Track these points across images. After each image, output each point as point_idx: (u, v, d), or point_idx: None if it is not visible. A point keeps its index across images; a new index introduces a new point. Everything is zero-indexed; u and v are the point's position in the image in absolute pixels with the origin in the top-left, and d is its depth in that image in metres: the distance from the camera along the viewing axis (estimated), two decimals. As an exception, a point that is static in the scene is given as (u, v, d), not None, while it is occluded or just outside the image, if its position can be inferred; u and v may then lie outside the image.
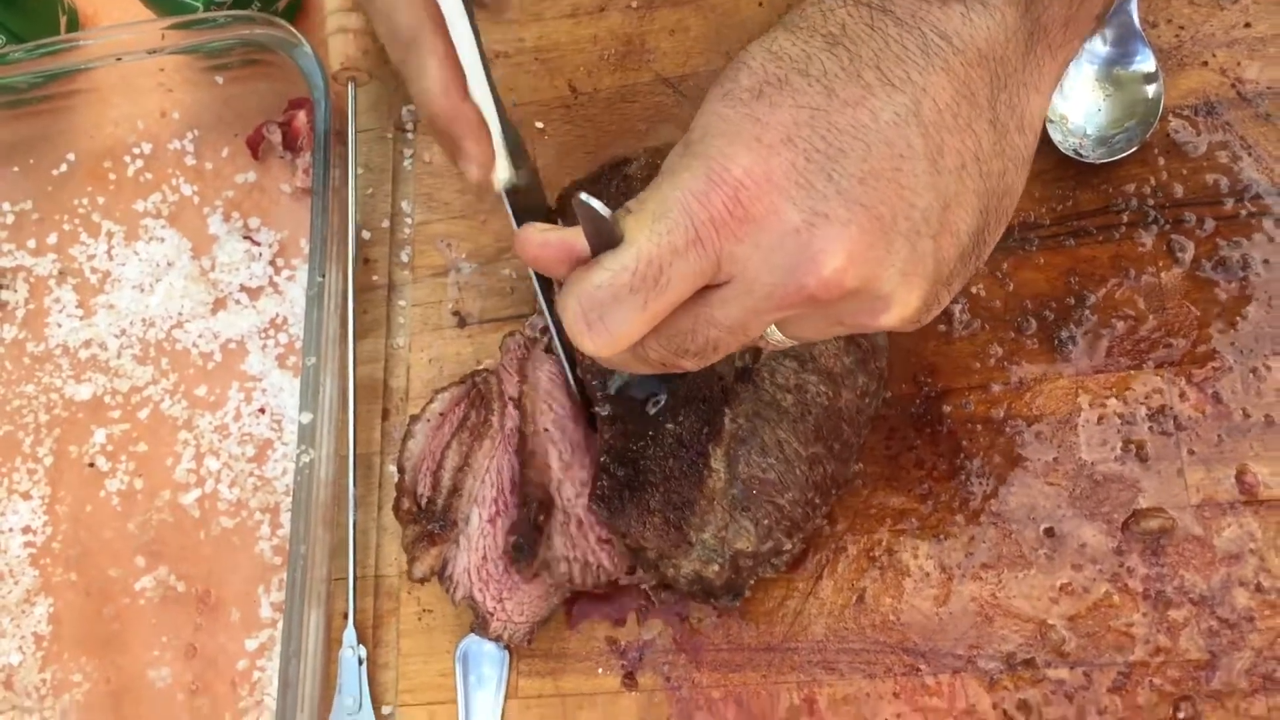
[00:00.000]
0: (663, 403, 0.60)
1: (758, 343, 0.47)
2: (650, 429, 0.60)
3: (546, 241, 0.45)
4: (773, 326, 0.46)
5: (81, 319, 0.81)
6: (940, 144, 0.42)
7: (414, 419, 0.68)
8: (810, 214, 0.40)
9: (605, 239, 0.42)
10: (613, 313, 0.42)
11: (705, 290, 0.43)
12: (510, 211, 0.61)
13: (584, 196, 0.41)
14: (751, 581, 0.61)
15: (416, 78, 0.55)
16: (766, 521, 0.58)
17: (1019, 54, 0.44)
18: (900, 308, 0.43)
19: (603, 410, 0.62)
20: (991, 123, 0.43)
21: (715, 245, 0.41)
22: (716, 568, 0.59)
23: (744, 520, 0.58)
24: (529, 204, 0.61)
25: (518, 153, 0.58)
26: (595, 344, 0.43)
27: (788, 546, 0.60)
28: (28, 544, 0.77)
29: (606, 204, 0.62)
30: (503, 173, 0.58)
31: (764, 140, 0.41)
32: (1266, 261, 0.62)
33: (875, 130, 0.41)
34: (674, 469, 0.59)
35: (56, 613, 0.75)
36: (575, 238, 0.44)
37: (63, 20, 0.88)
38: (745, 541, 0.58)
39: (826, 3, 0.44)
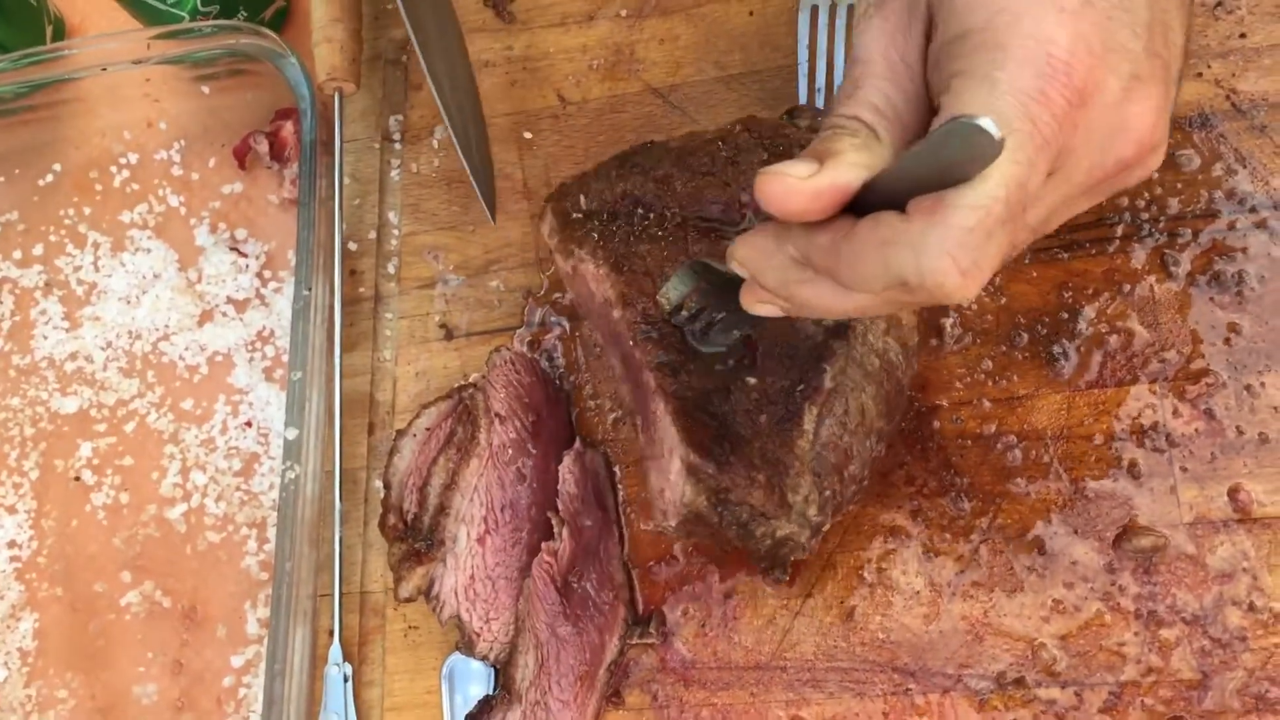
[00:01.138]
0: (732, 361, 0.58)
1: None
2: (724, 381, 0.57)
3: (804, 190, 0.39)
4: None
5: (68, 331, 0.81)
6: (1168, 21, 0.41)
7: (400, 434, 0.68)
8: (1127, 79, 0.39)
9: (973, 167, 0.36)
10: (986, 252, 0.37)
11: None
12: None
13: (965, 118, 0.33)
14: (791, 558, 0.59)
15: None
16: (829, 492, 0.56)
17: None
18: (1162, 154, 0.42)
19: (661, 357, 0.58)
20: (1180, 3, 0.43)
21: (1059, 142, 0.38)
22: (808, 534, 0.56)
23: (814, 487, 0.55)
24: None
25: None
26: (970, 290, 0.37)
27: (826, 527, 0.57)
28: (13, 558, 0.76)
29: (647, 181, 0.60)
30: None
31: (1066, 7, 0.37)
32: (1261, 277, 0.61)
33: None
34: (765, 425, 0.56)
35: (42, 628, 0.74)
36: (841, 174, 0.39)
37: (48, 30, 0.87)
38: (815, 509, 0.56)
39: None
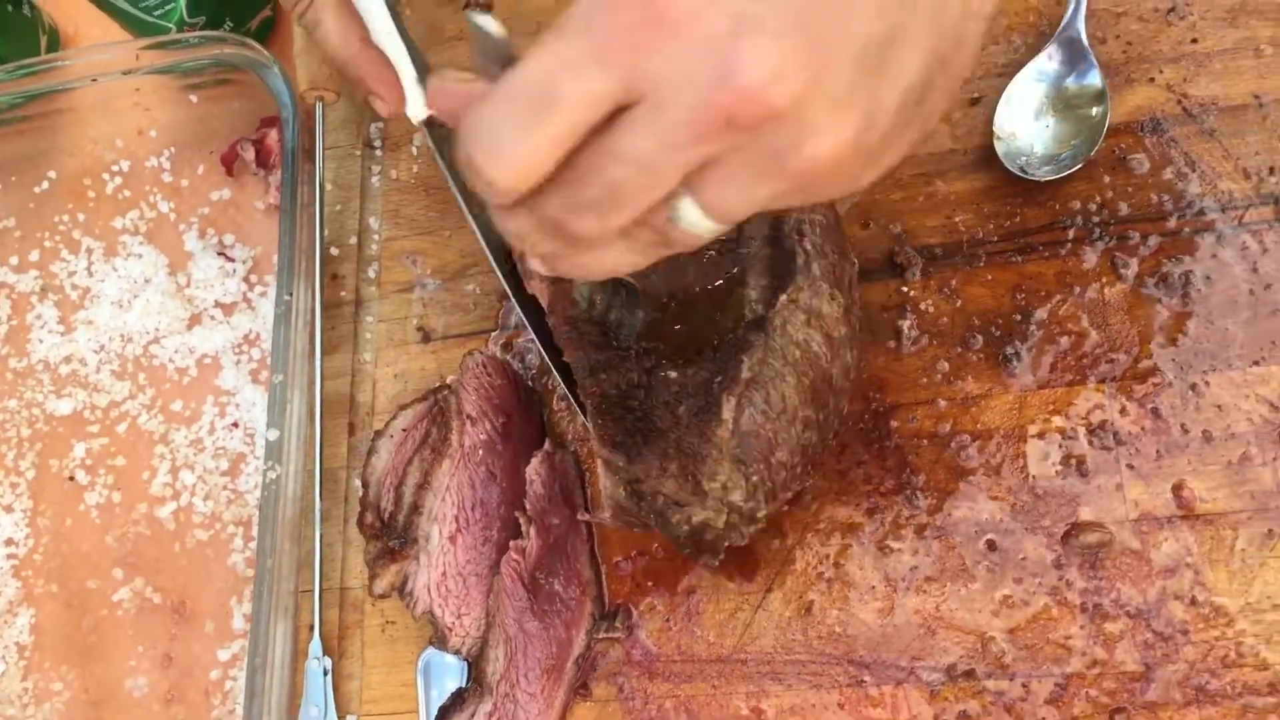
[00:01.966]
0: (633, 336, 0.61)
1: (667, 237, 0.42)
2: (644, 375, 0.60)
3: (449, 90, 0.43)
4: (687, 202, 0.40)
5: (62, 335, 0.83)
6: None
7: (378, 435, 0.70)
8: (738, 19, 0.35)
9: (504, 67, 0.39)
10: (501, 133, 0.37)
11: (612, 119, 0.38)
12: (431, 144, 0.63)
13: (472, 15, 0.38)
14: (725, 544, 0.60)
15: (313, 29, 0.57)
16: (755, 479, 0.57)
17: None
18: (823, 144, 0.38)
19: (581, 357, 0.62)
20: None
21: (622, 59, 0.36)
22: (724, 517, 0.58)
23: (738, 474, 0.57)
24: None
25: None
26: (490, 168, 0.38)
27: (760, 514, 0.59)
28: (10, 556, 0.79)
29: None
30: (417, 109, 0.59)
31: None
32: (1208, 278, 0.63)
33: None
34: (683, 417, 0.58)
35: (38, 623, 0.77)
36: (476, 83, 0.41)
37: (43, 40, 0.90)
38: (740, 494, 0.57)
39: None
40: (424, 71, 0.59)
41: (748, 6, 0.36)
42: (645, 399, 0.59)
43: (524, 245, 0.43)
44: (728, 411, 0.56)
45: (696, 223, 0.41)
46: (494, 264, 0.66)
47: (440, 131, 0.63)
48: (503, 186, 0.38)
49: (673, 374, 0.59)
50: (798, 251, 0.58)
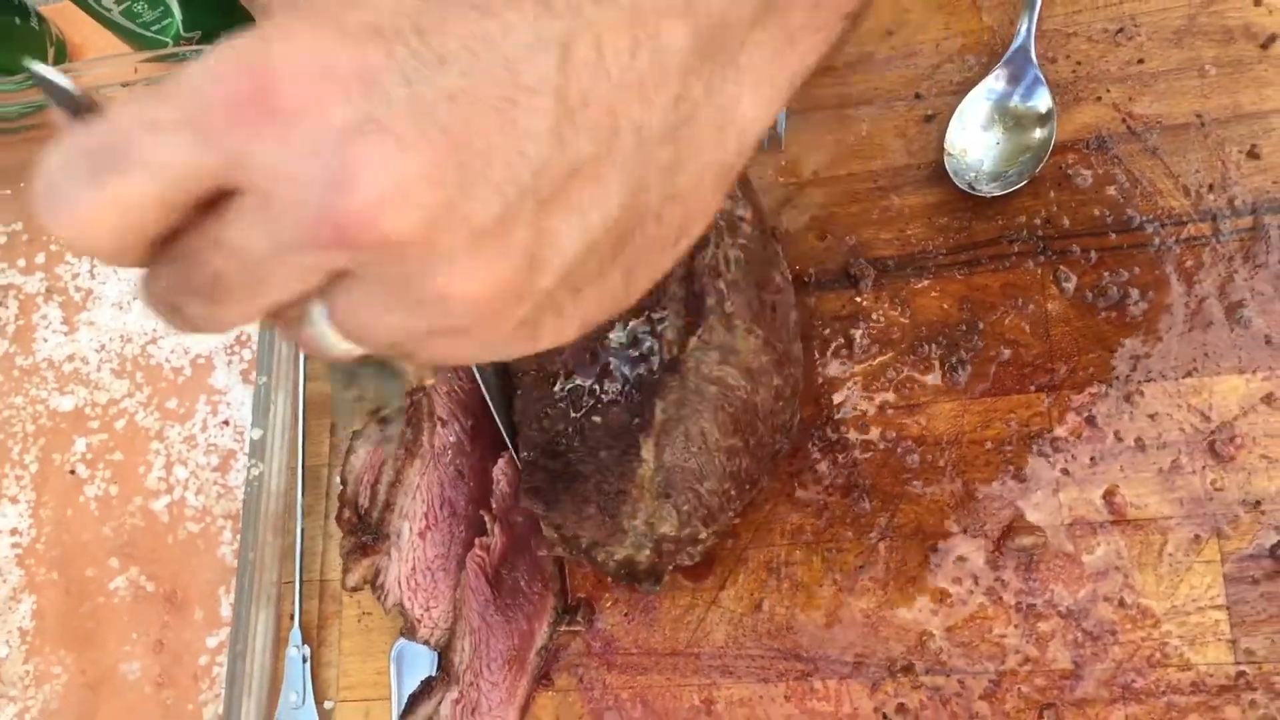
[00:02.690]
0: (570, 387, 0.64)
1: (315, 347, 0.35)
2: (572, 423, 0.64)
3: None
4: (319, 312, 0.34)
5: (66, 335, 0.87)
6: (586, 92, 0.32)
7: (356, 435, 0.73)
8: (363, 119, 0.30)
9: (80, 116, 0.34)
10: (63, 185, 0.31)
11: (220, 203, 0.32)
12: None
13: (32, 64, 0.34)
14: (669, 568, 0.65)
15: None
16: (687, 508, 0.61)
17: (744, 24, 0.35)
18: (466, 279, 0.32)
19: (519, 394, 0.66)
20: (676, 98, 0.34)
21: (220, 135, 0.30)
22: (647, 553, 0.62)
23: (667, 506, 0.61)
24: None
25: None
26: (49, 219, 0.32)
27: (703, 535, 0.63)
28: (14, 545, 0.83)
29: None
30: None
31: (344, 22, 0.31)
32: (1146, 292, 0.65)
33: (499, 47, 0.31)
34: (605, 460, 0.62)
35: (39, 609, 0.81)
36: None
37: (51, 52, 0.93)
38: (669, 526, 0.61)
39: None
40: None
41: (379, 105, 0.30)
42: (571, 444, 0.63)
43: (150, 307, 0.36)
44: (646, 452, 0.60)
45: (328, 337, 0.35)
46: None
47: None
48: (69, 242, 0.32)
49: (597, 419, 0.63)
50: (709, 291, 0.61)
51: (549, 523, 0.63)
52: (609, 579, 0.68)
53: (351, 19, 0.30)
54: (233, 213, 0.31)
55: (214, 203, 0.32)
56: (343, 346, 0.35)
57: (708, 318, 0.61)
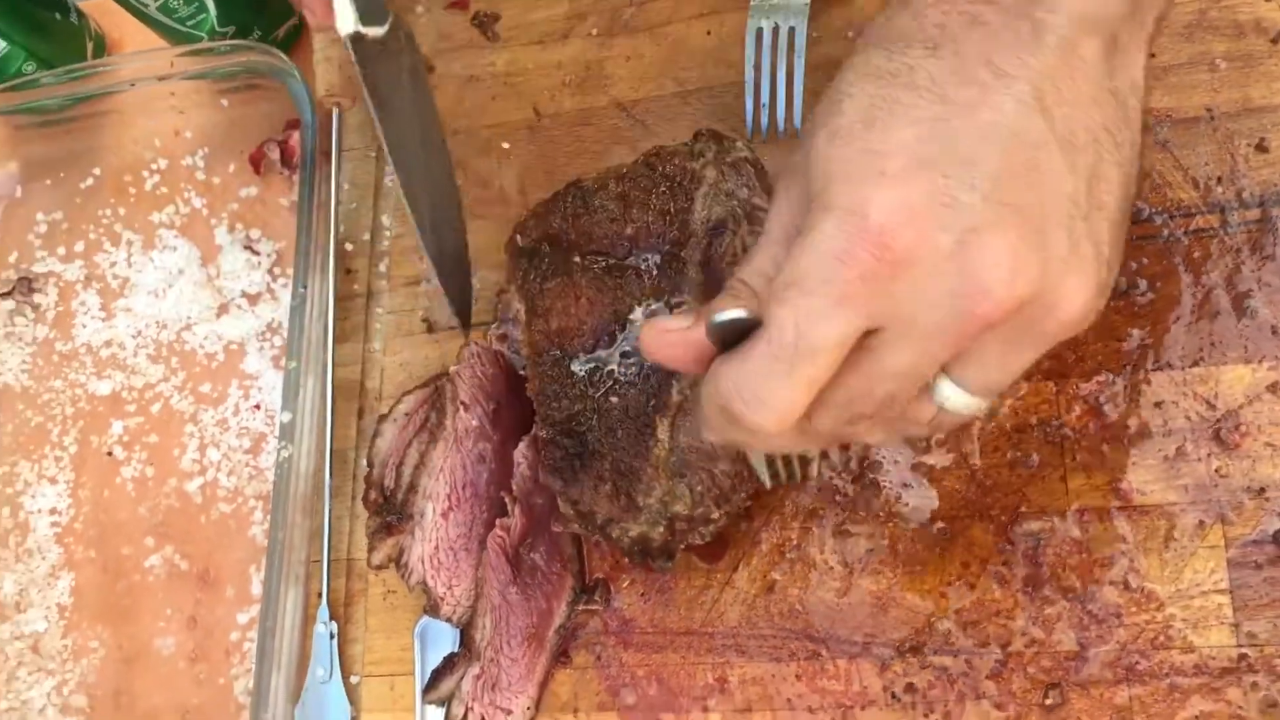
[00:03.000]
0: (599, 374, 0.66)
1: (938, 424, 0.46)
2: (590, 402, 0.66)
3: (677, 341, 0.46)
4: (947, 384, 0.44)
5: (103, 321, 0.90)
6: (1070, 124, 0.40)
7: (382, 418, 0.76)
8: (961, 233, 0.39)
9: (740, 337, 0.43)
10: (764, 389, 0.42)
11: (864, 343, 0.42)
12: (353, 59, 0.65)
13: (717, 318, 0.43)
14: (681, 546, 0.66)
15: None
16: (700, 488, 0.63)
17: (1123, 14, 0.43)
18: (1073, 302, 0.41)
19: (539, 377, 0.68)
20: (1113, 92, 0.42)
21: (863, 298, 0.40)
22: (661, 530, 0.64)
23: (681, 486, 0.63)
24: (387, 64, 0.67)
25: (370, 6, 0.63)
26: (757, 418, 0.42)
27: (715, 515, 0.64)
28: (54, 524, 0.86)
29: (561, 220, 0.68)
30: (346, 23, 0.63)
31: (890, 171, 0.39)
32: (1154, 283, 0.66)
33: (1002, 125, 0.39)
34: (621, 440, 0.64)
35: (77, 586, 0.84)
36: (700, 334, 0.45)
37: (89, 46, 0.96)
38: (682, 505, 0.63)
39: (914, 5, 0.42)
40: None
41: (962, 216, 0.39)
42: (589, 423, 0.65)
43: (787, 447, 0.50)
44: (662, 432, 0.62)
45: (959, 400, 0.45)
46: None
47: (365, 49, 0.65)
48: (769, 430, 0.43)
49: (615, 399, 0.65)
50: (727, 276, 0.62)
51: (566, 499, 0.65)
52: (625, 559, 0.70)
53: (892, 166, 0.39)
54: (884, 347, 0.41)
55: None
56: (975, 404, 0.45)
57: None
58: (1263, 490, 0.62)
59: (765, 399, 0.42)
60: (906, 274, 0.39)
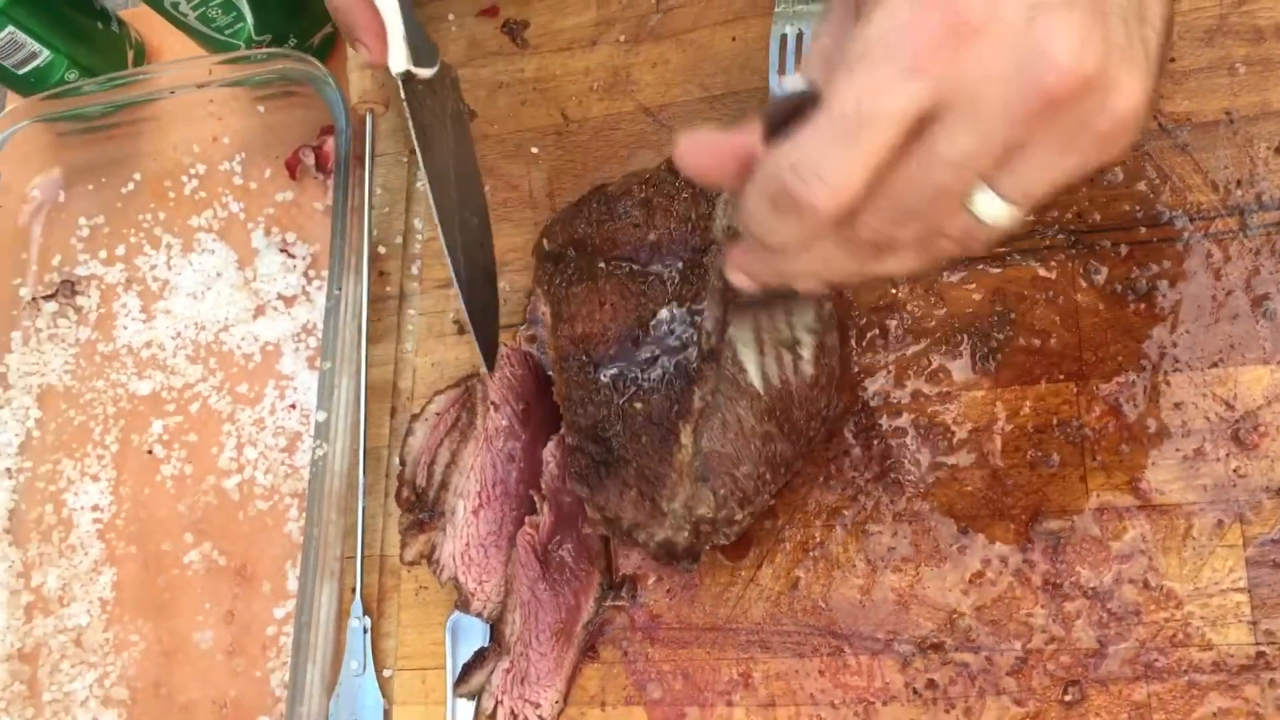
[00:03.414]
0: (624, 378, 0.68)
1: (968, 240, 0.46)
2: (614, 409, 0.67)
3: (718, 146, 0.45)
4: (986, 194, 0.43)
5: (144, 322, 0.92)
6: None
7: (414, 418, 0.77)
8: (1028, 8, 0.39)
9: (798, 113, 0.42)
10: (823, 162, 0.41)
11: (923, 131, 0.41)
12: (402, 96, 0.67)
13: (782, 85, 0.45)
14: (707, 547, 0.68)
15: None
16: (723, 491, 0.64)
17: None
18: (1128, 97, 0.41)
19: (565, 382, 0.69)
20: None
21: (934, 69, 0.40)
22: (686, 534, 0.65)
23: (704, 490, 0.64)
24: (433, 105, 0.69)
25: (422, 49, 0.65)
26: (815, 196, 0.41)
27: (739, 517, 0.66)
28: (96, 520, 0.88)
29: (586, 225, 0.70)
30: (398, 62, 0.65)
31: None
32: (1173, 284, 0.67)
33: None
34: (646, 445, 0.65)
35: (119, 581, 0.86)
36: (750, 137, 0.44)
37: (130, 54, 0.99)
38: (706, 509, 0.64)
39: None
40: (414, 35, 0.65)
41: None
42: (614, 429, 0.66)
43: (824, 273, 0.48)
44: (685, 438, 0.63)
45: (997, 212, 0.44)
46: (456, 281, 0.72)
47: (414, 89, 0.67)
48: (824, 209, 0.42)
49: (639, 405, 0.66)
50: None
51: (593, 505, 0.67)
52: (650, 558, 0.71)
53: None
54: (944, 130, 0.41)
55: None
56: (1009, 214, 0.44)
57: (738, 313, 0.64)
58: (1281, 490, 0.63)
59: (824, 172, 0.41)
60: (975, 46, 0.39)
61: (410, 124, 0.68)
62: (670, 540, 0.65)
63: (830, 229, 0.44)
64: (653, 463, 0.65)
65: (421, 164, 0.69)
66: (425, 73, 0.66)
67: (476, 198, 0.76)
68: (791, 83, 0.43)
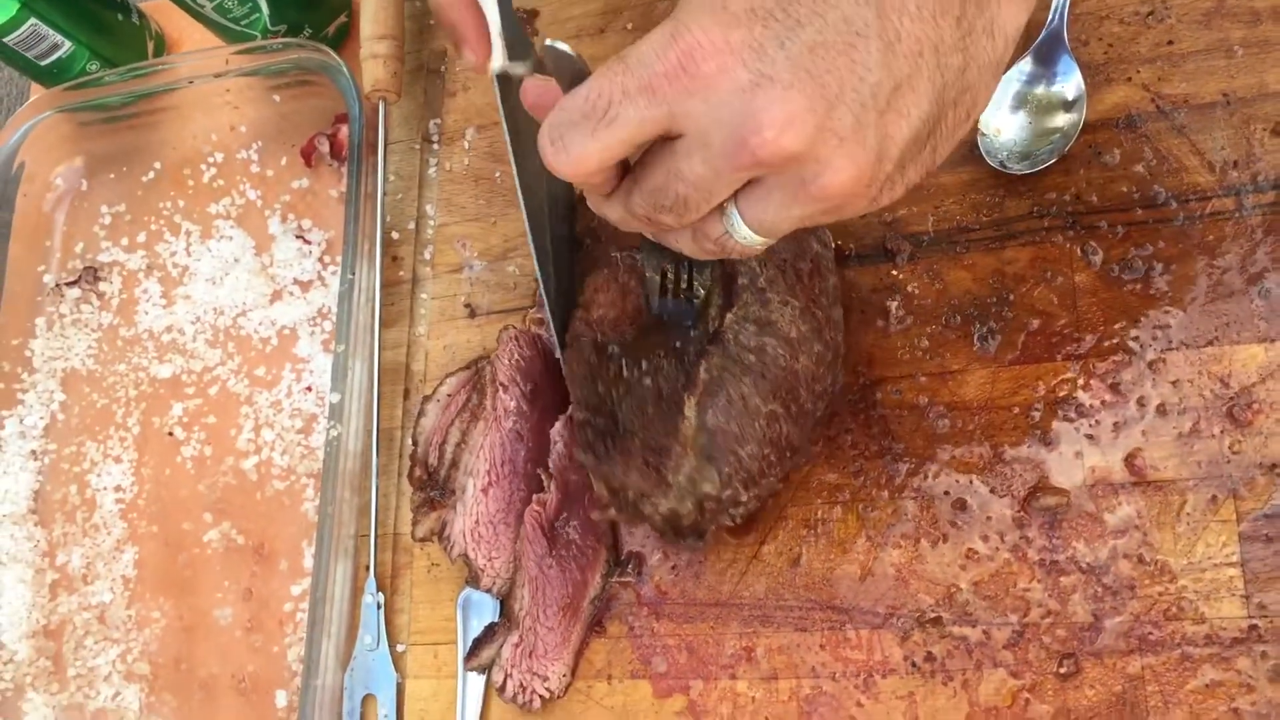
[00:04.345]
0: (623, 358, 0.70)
1: (724, 245, 0.51)
2: (623, 384, 0.69)
3: (540, 89, 0.53)
4: (735, 215, 0.50)
5: (164, 308, 0.94)
6: (898, 29, 0.45)
7: (426, 399, 0.79)
8: (758, 75, 0.44)
9: (576, 81, 0.49)
10: (569, 135, 0.48)
11: (669, 143, 0.48)
12: (498, 97, 0.66)
13: (549, 41, 0.49)
14: (712, 527, 0.69)
15: None
16: (727, 470, 0.66)
17: None
18: (837, 175, 0.46)
19: (576, 359, 0.71)
20: (957, 19, 0.46)
21: (665, 96, 0.45)
22: (690, 506, 0.67)
23: (709, 468, 0.65)
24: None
25: (519, 46, 0.65)
26: (556, 160, 0.48)
27: (744, 498, 0.67)
28: (119, 500, 0.90)
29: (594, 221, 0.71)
30: (496, 61, 0.64)
31: (729, 9, 0.45)
32: (1170, 265, 0.68)
33: (835, 8, 0.44)
34: (652, 417, 0.67)
35: (141, 559, 0.89)
36: (556, 84, 0.51)
37: (150, 46, 1.01)
38: (710, 486, 0.66)
39: None
40: (512, 32, 0.64)
41: (765, 64, 0.44)
42: (621, 401, 0.68)
43: (619, 224, 0.54)
44: (689, 410, 0.64)
45: (745, 234, 0.51)
46: (531, 243, 0.72)
47: (509, 87, 0.66)
48: (564, 174, 0.49)
49: (647, 381, 0.68)
50: (740, 270, 0.66)
51: (598, 475, 0.68)
52: (656, 535, 0.73)
53: (735, 6, 0.45)
54: (682, 150, 0.47)
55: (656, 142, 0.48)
56: (755, 239, 0.51)
57: (741, 295, 0.65)
58: (1274, 466, 0.64)
59: (568, 146, 0.48)
60: (704, 91, 0.45)
61: (505, 128, 0.68)
62: (675, 511, 0.66)
63: (607, 194, 0.53)
64: (658, 435, 0.66)
65: (515, 171, 0.69)
66: (520, 68, 0.65)
67: (567, 206, 0.76)
68: (560, 44, 0.49)
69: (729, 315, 0.66)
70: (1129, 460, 0.66)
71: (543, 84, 0.53)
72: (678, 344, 0.69)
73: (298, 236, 0.92)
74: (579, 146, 0.48)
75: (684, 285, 0.71)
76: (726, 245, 0.52)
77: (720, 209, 0.50)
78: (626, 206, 0.52)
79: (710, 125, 0.45)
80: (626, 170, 0.53)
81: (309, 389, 0.88)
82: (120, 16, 0.98)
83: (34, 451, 0.93)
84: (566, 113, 0.48)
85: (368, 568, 0.80)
